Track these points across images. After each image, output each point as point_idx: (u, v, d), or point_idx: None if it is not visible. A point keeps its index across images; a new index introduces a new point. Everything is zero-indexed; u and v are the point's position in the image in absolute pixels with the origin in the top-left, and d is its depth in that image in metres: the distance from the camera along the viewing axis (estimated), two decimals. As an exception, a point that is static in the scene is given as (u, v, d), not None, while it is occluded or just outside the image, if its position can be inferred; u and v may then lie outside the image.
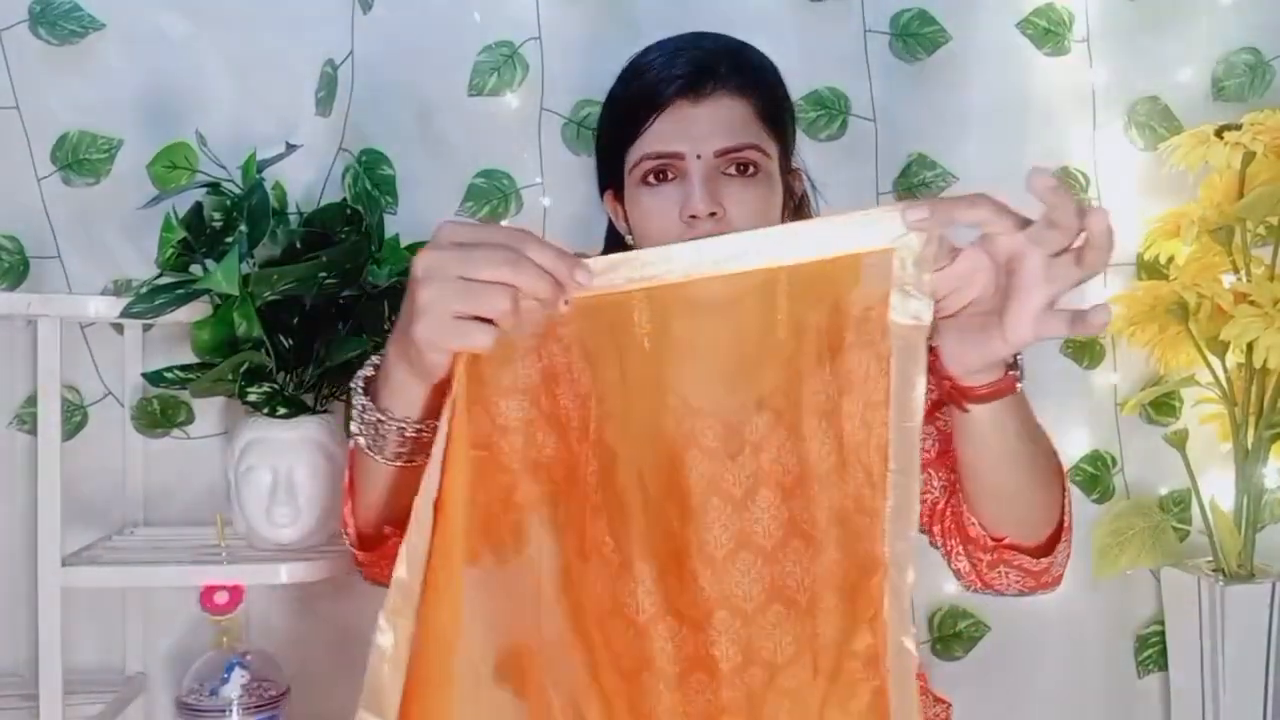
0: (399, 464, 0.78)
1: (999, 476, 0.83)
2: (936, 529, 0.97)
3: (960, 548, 0.95)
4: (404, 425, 0.76)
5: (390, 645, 0.69)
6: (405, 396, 0.74)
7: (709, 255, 0.71)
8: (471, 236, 0.67)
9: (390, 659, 0.68)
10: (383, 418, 0.76)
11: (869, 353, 0.72)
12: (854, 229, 0.70)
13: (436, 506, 0.69)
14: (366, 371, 0.78)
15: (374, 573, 0.93)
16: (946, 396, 0.80)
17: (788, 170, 1.04)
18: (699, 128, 0.94)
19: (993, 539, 0.90)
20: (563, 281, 0.68)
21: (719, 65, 0.96)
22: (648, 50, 1.02)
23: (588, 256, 0.71)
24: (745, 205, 0.95)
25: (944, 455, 1.00)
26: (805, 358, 0.77)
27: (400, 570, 0.69)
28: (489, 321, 0.66)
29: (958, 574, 0.96)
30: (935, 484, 1.00)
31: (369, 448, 0.77)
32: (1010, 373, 0.75)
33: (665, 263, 0.71)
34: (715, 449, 0.80)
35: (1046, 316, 0.68)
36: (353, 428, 0.78)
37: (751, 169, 0.95)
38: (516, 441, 0.78)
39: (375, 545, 0.89)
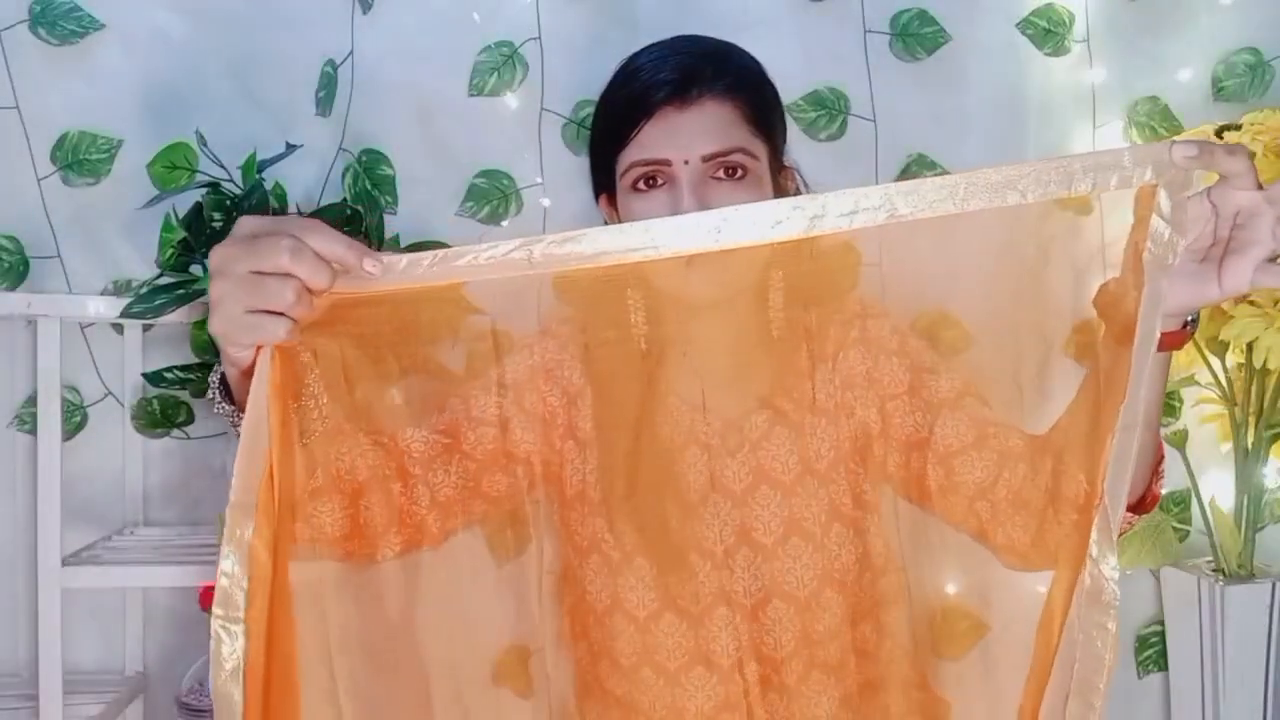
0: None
1: (1148, 426, 0.85)
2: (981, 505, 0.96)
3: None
4: (234, 417, 0.77)
5: (229, 654, 0.70)
6: (238, 389, 0.75)
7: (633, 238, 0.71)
8: (260, 228, 0.69)
9: (229, 671, 0.69)
10: (230, 413, 0.78)
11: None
12: (1094, 169, 0.76)
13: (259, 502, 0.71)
14: (218, 374, 0.80)
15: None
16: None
17: (778, 171, 1.04)
18: (685, 133, 0.94)
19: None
20: (350, 269, 0.69)
21: (704, 69, 0.97)
22: (635, 56, 1.02)
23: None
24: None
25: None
26: (802, 356, 0.78)
27: (226, 567, 0.72)
28: (279, 314, 0.68)
29: (1000, 550, 0.95)
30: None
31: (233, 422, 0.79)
32: (1188, 325, 0.79)
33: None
34: (715, 446, 0.80)
35: (1266, 269, 0.74)
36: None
37: (740, 172, 0.96)
38: (487, 434, 0.79)
39: None
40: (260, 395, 0.69)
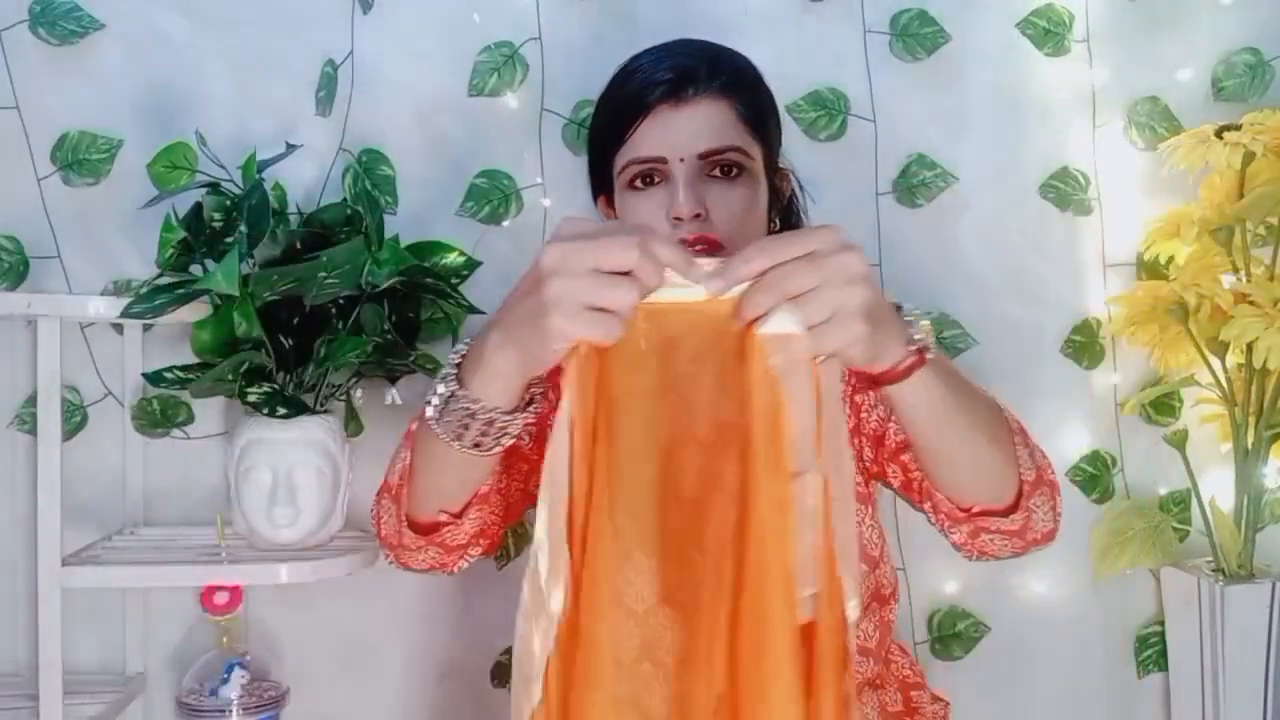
0: (475, 452, 0.79)
1: (941, 444, 0.83)
2: (928, 506, 0.97)
3: (948, 522, 0.95)
4: (493, 415, 0.76)
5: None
6: (500, 386, 0.75)
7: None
8: (597, 229, 0.69)
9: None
10: (472, 406, 0.76)
11: (744, 384, 0.71)
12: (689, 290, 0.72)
13: (574, 494, 0.71)
14: (455, 358, 0.78)
15: (408, 559, 0.95)
16: (864, 384, 0.80)
17: (774, 171, 1.05)
18: (681, 132, 0.96)
19: (961, 509, 0.90)
20: (683, 274, 0.69)
21: (700, 70, 0.98)
22: (633, 58, 1.04)
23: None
24: (729, 206, 0.97)
25: None
26: (705, 390, 0.79)
27: (542, 566, 0.72)
28: (612, 313, 0.68)
29: (955, 547, 0.96)
30: (914, 464, 1.00)
31: (446, 434, 0.78)
32: (910, 347, 0.75)
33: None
34: (712, 444, 0.81)
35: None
36: (429, 412, 0.78)
37: (735, 170, 0.97)
38: (531, 433, 0.80)
39: (427, 531, 0.90)
40: (577, 393, 0.70)
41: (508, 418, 0.77)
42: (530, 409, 0.78)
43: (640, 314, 0.73)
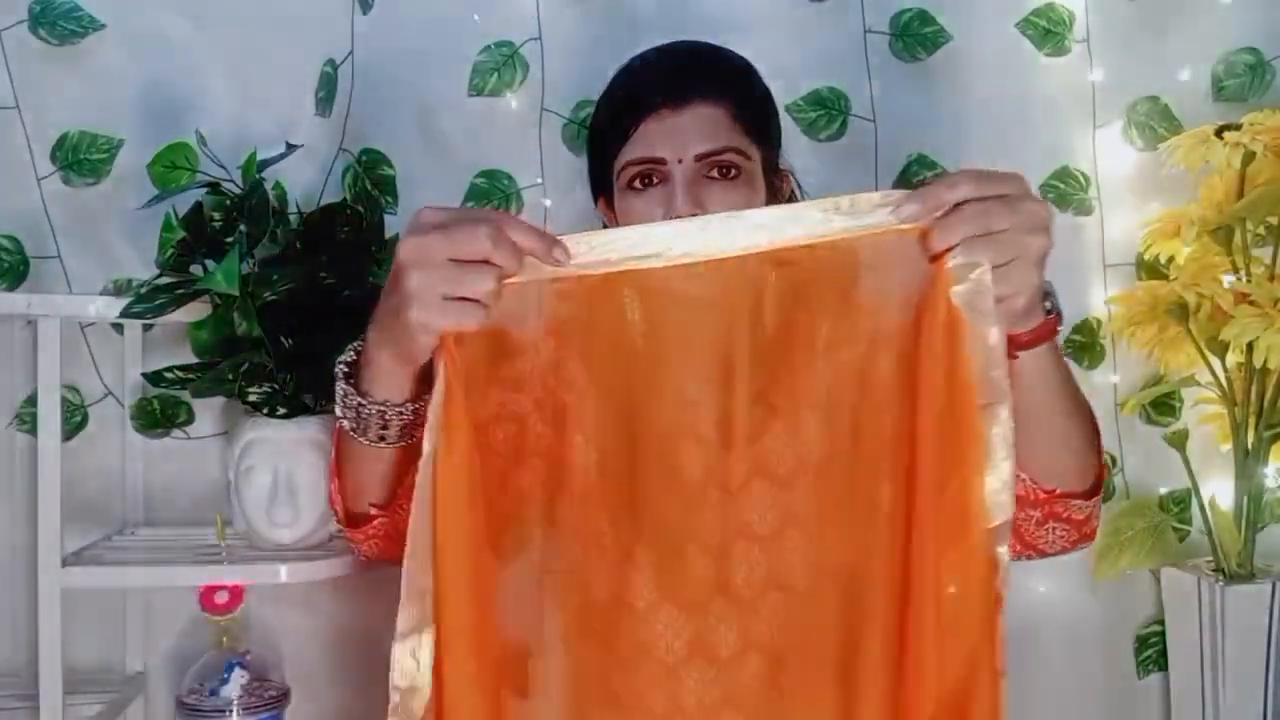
0: (382, 445, 0.80)
1: (1051, 422, 0.84)
2: None
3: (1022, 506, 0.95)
4: (385, 409, 0.78)
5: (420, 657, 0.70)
6: (388, 381, 0.77)
7: (695, 237, 0.73)
8: (452, 218, 0.70)
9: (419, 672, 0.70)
10: (364, 402, 0.78)
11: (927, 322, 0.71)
12: (846, 220, 0.72)
13: (437, 494, 0.70)
14: (348, 357, 0.80)
15: (367, 550, 0.96)
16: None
17: (772, 172, 1.05)
18: (680, 133, 0.97)
19: (1045, 491, 0.90)
20: (541, 259, 0.71)
21: (698, 71, 0.99)
22: (632, 59, 1.05)
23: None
24: (727, 207, 0.97)
25: None
26: (797, 352, 0.78)
27: (410, 565, 0.71)
28: (475, 301, 0.69)
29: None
30: None
31: (353, 431, 0.80)
32: (1049, 315, 0.77)
33: (649, 243, 0.73)
34: (710, 440, 0.81)
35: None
36: (337, 410, 0.80)
37: (733, 171, 0.98)
38: (511, 430, 0.79)
39: (361, 523, 0.91)
40: (450, 385, 0.69)
41: (398, 409, 0.78)
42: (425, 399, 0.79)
43: (635, 311, 0.73)
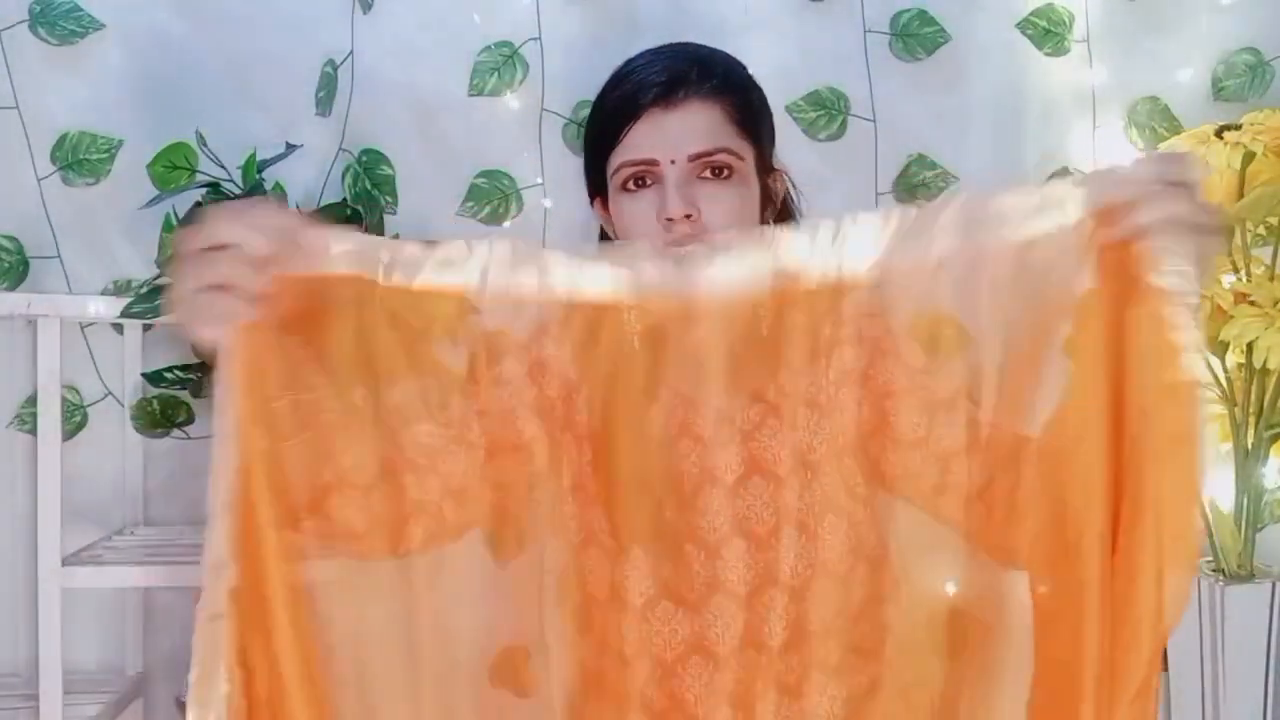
0: None
1: None
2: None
3: None
4: None
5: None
6: None
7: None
8: (208, 213, 0.71)
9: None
10: None
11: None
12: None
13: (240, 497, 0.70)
14: None
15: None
16: None
17: (766, 172, 1.06)
18: (672, 134, 0.97)
19: None
20: (294, 234, 0.70)
21: (691, 72, 1.00)
22: (626, 62, 1.06)
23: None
24: (720, 207, 0.98)
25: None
26: (795, 351, 0.79)
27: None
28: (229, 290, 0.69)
29: (1004, 549, 0.96)
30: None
31: None
32: None
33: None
34: (707, 438, 0.81)
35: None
36: None
37: (725, 172, 0.98)
38: (491, 424, 0.80)
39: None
40: (229, 387, 0.70)
41: None
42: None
43: (632, 310, 0.74)
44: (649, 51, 1.05)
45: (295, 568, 0.73)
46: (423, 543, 0.91)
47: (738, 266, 0.74)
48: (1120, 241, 0.72)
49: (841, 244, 0.74)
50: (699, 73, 0.99)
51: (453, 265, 0.73)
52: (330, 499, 0.81)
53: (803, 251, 0.74)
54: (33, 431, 1.31)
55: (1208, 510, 1.44)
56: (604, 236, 1.09)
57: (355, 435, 0.80)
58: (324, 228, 0.72)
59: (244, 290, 0.69)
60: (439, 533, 0.92)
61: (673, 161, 0.97)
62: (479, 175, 1.42)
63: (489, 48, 1.42)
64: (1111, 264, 0.72)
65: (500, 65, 1.42)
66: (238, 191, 1.22)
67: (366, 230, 1.25)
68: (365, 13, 1.40)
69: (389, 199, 1.40)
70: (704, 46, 1.07)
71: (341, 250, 0.71)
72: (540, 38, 1.42)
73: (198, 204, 1.24)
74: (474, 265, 0.74)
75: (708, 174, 0.98)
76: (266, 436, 0.70)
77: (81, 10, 1.36)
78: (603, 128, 1.03)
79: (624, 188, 1.00)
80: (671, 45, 1.06)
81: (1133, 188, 0.72)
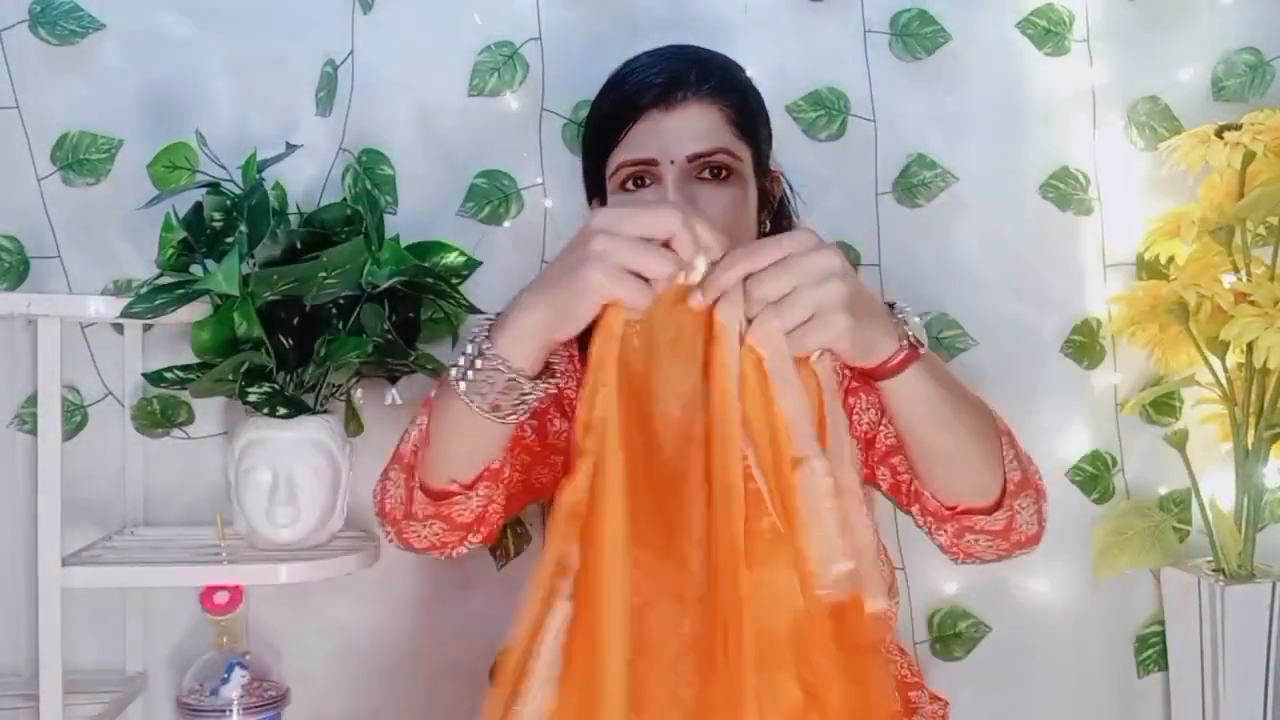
0: (492, 416, 0.79)
1: (932, 441, 0.85)
2: (915, 509, 0.98)
3: (935, 523, 0.95)
4: (515, 375, 0.77)
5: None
6: (526, 346, 0.76)
7: None
8: (646, 201, 0.76)
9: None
10: (496, 364, 0.76)
11: (718, 383, 0.74)
12: None
13: (597, 469, 0.72)
14: (486, 320, 0.80)
15: (410, 535, 0.96)
16: (861, 381, 0.82)
17: (763, 173, 1.06)
18: (670, 135, 0.98)
19: (947, 508, 0.91)
20: (712, 256, 0.72)
21: (689, 74, 1.00)
22: (625, 64, 1.06)
23: None
24: (718, 207, 0.98)
25: None
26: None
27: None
28: (646, 281, 0.70)
29: (942, 549, 0.97)
30: (903, 466, 1.01)
31: (467, 393, 0.78)
32: (903, 343, 0.77)
33: None
34: (700, 438, 0.81)
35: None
36: (454, 373, 0.79)
37: (724, 173, 0.99)
38: (533, 426, 0.81)
39: (438, 498, 0.91)
40: (607, 361, 0.72)
41: (529, 383, 0.78)
42: (550, 381, 0.80)
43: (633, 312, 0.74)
44: (647, 53, 1.05)
45: None
46: (481, 540, 0.98)
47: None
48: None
49: None
50: (697, 74, 1.00)
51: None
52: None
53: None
54: (33, 431, 1.31)
55: (1208, 510, 1.44)
56: None
57: None
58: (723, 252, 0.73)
59: (657, 287, 0.71)
60: (490, 534, 0.98)
61: (671, 162, 0.98)
62: (479, 175, 1.42)
63: (489, 48, 1.42)
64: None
65: (500, 65, 1.42)
66: (238, 191, 1.22)
67: (366, 231, 1.24)
68: (365, 13, 1.40)
69: (389, 199, 1.41)
70: (702, 48, 1.07)
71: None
72: (540, 38, 1.42)
73: (198, 204, 1.24)
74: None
75: (706, 175, 0.98)
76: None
77: (81, 10, 1.36)
78: (601, 129, 1.03)
79: (623, 188, 1.00)
80: (669, 47, 1.07)
81: (728, 276, 0.73)
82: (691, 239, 0.70)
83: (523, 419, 0.81)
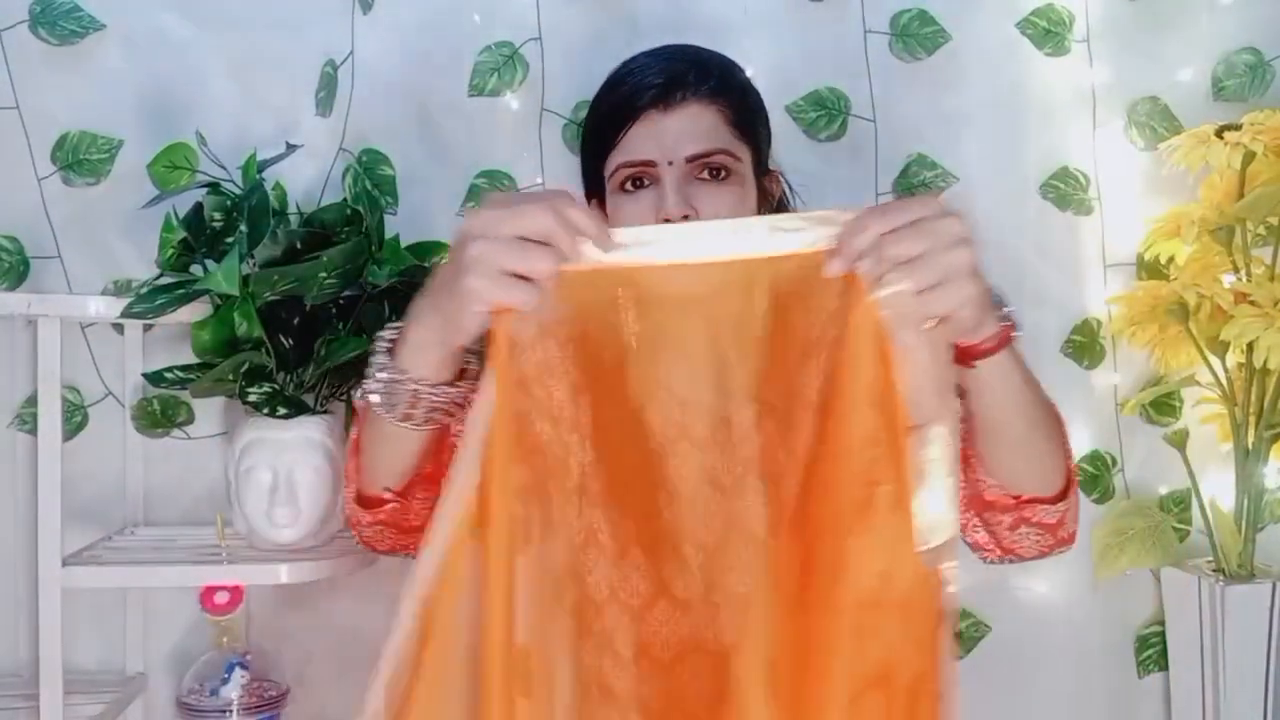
0: (406, 426, 0.81)
1: (1013, 428, 0.85)
2: (960, 504, 0.98)
3: (977, 519, 0.96)
4: (418, 387, 0.78)
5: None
6: (425, 356, 0.77)
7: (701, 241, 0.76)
8: (518, 198, 0.73)
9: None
10: (399, 377, 0.78)
11: (852, 345, 0.72)
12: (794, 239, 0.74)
13: (485, 476, 0.71)
14: (389, 334, 0.81)
15: (369, 539, 0.97)
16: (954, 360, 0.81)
17: (762, 173, 1.06)
18: (670, 136, 0.98)
19: (1012, 497, 0.91)
20: (596, 244, 0.72)
21: (688, 74, 1.00)
22: (623, 64, 1.07)
23: None
24: (717, 208, 0.98)
25: None
26: (790, 352, 0.79)
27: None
28: (530, 281, 0.70)
29: (975, 546, 0.97)
30: None
31: (380, 406, 0.80)
32: (1004, 323, 0.77)
33: (664, 243, 0.76)
34: (705, 440, 0.82)
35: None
36: (367, 385, 0.80)
37: (723, 173, 0.99)
38: (511, 428, 0.80)
39: (372, 505, 0.92)
40: (499, 368, 0.71)
41: (431, 390, 0.79)
42: (459, 386, 0.80)
43: (629, 311, 0.74)
44: (646, 53, 1.05)
45: None
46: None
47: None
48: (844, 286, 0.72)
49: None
50: (696, 75, 1.00)
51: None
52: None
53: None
54: (33, 431, 1.31)
55: (1208, 510, 1.44)
56: None
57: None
58: (614, 235, 0.73)
59: (541, 284, 0.70)
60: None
61: (670, 163, 0.98)
62: (479, 175, 1.42)
63: (489, 48, 1.42)
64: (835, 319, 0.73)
65: (500, 65, 1.42)
66: (238, 191, 1.22)
67: (366, 230, 1.25)
68: (365, 13, 1.40)
69: (389, 199, 1.41)
70: (701, 48, 1.07)
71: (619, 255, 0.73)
72: (540, 38, 1.42)
73: (198, 204, 1.24)
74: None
75: (705, 175, 0.98)
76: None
77: (81, 10, 1.36)
78: (600, 129, 1.03)
79: (621, 189, 1.00)
80: (668, 47, 1.07)
81: (863, 239, 0.72)
82: (567, 230, 0.70)
83: (447, 423, 0.82)
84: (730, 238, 0.75)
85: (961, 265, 0.70)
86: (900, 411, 0.71)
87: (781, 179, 1.15)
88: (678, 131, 0.98)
